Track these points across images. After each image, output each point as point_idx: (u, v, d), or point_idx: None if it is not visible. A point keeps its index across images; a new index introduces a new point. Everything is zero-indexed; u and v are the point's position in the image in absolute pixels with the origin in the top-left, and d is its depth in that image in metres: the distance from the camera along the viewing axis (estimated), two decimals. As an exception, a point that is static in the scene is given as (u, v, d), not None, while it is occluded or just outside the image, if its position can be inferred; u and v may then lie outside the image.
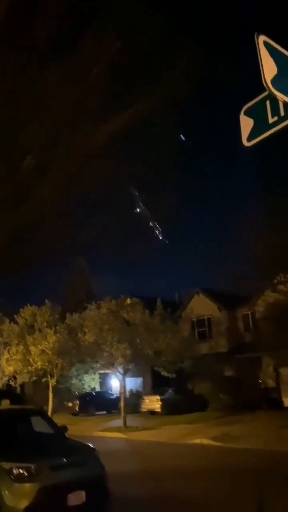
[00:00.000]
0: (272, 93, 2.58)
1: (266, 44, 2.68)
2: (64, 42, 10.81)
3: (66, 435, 7.94)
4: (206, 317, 28.94)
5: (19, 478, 5.90)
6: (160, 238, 26.60)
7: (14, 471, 5.89)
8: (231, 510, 6.77)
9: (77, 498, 6.08)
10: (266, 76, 2.58)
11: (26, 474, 5.92)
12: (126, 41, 10.89)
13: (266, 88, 2.57)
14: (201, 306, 29.24)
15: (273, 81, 2.60)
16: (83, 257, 35.02)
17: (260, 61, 2.59)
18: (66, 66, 10.55)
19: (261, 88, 2.73)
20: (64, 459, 6.49)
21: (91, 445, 7.51)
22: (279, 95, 2.60)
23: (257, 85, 2.74)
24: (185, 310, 30.20)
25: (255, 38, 2.65)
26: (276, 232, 17.94)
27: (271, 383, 24.58)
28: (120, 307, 21.01)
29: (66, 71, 10.64)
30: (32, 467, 5.98)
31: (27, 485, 5.87)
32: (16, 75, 9.93)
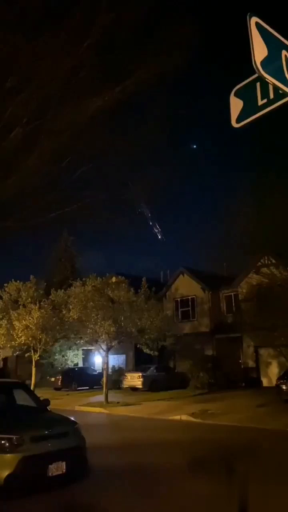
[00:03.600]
0: (261, 75, 2.57)
1: (258, 25, 2.65)
2: (56, 12, 10.48)
3: (48, 408, 8.08)
4: (189, 297, 29.27)
5: (1, 449, 6.05)
6: (159, 237, 26.79)
7: (-4, 441, 6.02)
8: (200, 476, 7.08)
9: (57, 468, 6.28)
10: (256, 58, 2.56)
11: (8, 444, 6.08)
12: (119, 14, 10.62)
13: (256, 70, 2.56)
14: (185, 286, 29.52)
15: (263, 63, 2.58)
16: (69, 233, 34.89)
17: (251, 43, 2.57)
18: (58, 37, 10.26)
19: (253, 69, 2.72)
20: (46, 431, 6.65)
21: (72, 418, 7.68)
22: (268, 78, 2.60)
23: (250, 66, 2.73)
24: (170, 289, 30.47)
25: (247, 19, 2.62)
26: (262, 214, 18.07)
27: (251, 363, 25.18)
28: (105, 285, 21.06)
29: (58, 42, 10.35)
30: (14, 438, 6.13)
31: (8, 455, 6.03)
32: (6, 44, 9.64)
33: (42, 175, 12.04)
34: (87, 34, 10.60)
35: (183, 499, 6.17)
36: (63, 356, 30.93)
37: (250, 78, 3.03)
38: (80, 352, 31.74)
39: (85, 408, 18.38)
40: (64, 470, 6.34)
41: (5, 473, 5.88)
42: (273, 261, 20.48)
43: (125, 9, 10.65)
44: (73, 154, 12.02)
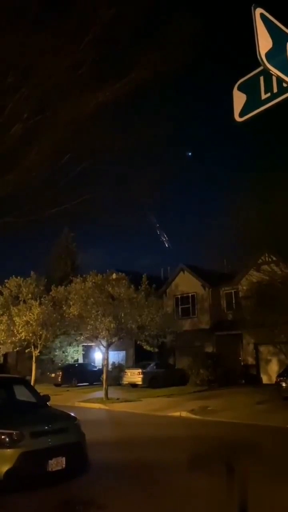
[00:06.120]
0: (266, 67, 2.54)
1: (262, 16, 2.62)
2: (57, 6, 10.43)
3: (48, 404, 8.09)
4: (190, 294, 29.28)
5: (1, 444, 6.06)
6: (167, 246, 26.94)
7: (-4, 436, 6.03)
8: (199, 472, 7.09)
9: (57, 464, 6.30)
10: (261, 50, 2.52)
11: (8, 440, 6.09)
12: (120, 8, 10.56)
13: (260, 61, 2.53)
14: (185, 283, 29.52)
15: (268, 55, 2.55)
16: (69, 229, 34.86)
17: (255, 34, 2.54)
18: (58, 31, 10.21)
19: (257, 63, 2.69)
20: (46, 427, 6.67)
21: (72, 414, 7.68)
22: (273, 70, 2.57)
23: (254, 59, 2.71)
24: (170, 286, 30.47)
25: (252, 10, 2.59)
26: (263, 211, 18.04)
27: (250, 360, 25.21)
28: (106, 281, 21.06)
29: (58, 37, 10.30)
30: (14, 433, 6.14)
31: (8, 450, 6.04)
32: (6, 39, 9.59)
33: (43, 171, 12.01)
34: (88, 30, 10.55)
35: (182, 495, 6.18)
36: (63, 352, 30.96)
37: (254, 72, 3.00)
38: (80, 348, 31.77)
39: (85, 404, 18.41)
40: (64, 466, 6.36)
41: (5, 468, 5.89)
42: (274, 258, 20.46)
43: (125, 5, 10.60)
44: (74, 150, 11.99)
